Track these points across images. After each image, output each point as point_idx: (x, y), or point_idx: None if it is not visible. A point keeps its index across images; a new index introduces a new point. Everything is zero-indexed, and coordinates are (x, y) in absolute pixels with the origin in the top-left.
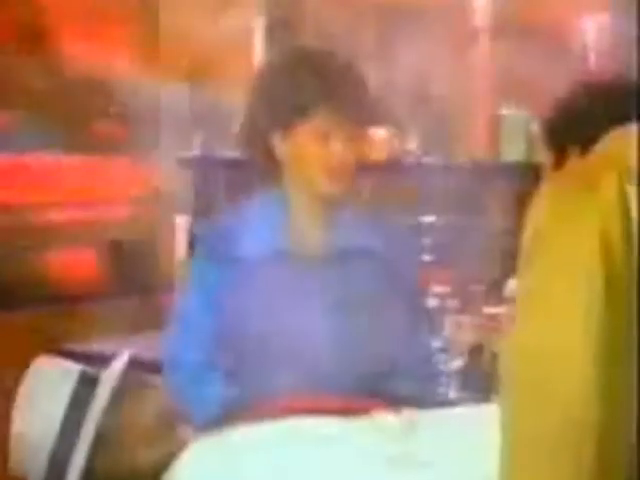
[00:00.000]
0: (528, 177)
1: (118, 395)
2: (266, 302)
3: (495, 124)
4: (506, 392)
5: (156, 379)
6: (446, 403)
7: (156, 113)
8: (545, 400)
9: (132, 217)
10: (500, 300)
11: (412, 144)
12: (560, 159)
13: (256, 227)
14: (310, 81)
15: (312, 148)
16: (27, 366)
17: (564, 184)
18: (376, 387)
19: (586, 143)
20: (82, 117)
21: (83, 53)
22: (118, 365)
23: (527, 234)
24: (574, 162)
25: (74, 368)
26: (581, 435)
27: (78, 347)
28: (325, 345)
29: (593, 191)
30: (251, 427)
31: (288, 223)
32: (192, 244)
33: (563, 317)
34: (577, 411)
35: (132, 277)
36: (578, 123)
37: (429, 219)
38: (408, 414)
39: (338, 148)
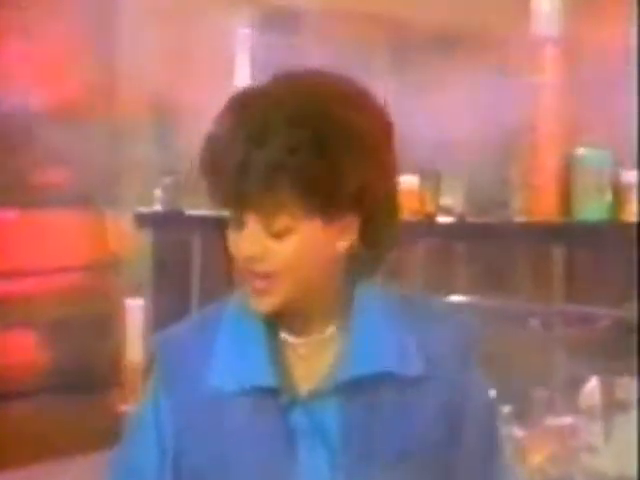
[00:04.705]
0: (614, 242)
1: None
2: (242, 461)
3: (565, 170)
4: None
5: None
6: None
7: (110, 158)
8: None
9: (80, 290)
10: (570, 408)
11: (449, 198)
12: None
13: (228, 350)
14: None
15: (230, 239)
16: None
17: None
18: None
19: None
20: (19, 164)
21: (21, 88)
22: None
23: None
24: None
25: None
26: None
27: None
28: None
29: None
30: None
31: (272, 343)
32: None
33: None
34: None
35: (76, 368)
36: None
37: (469, 299)
38: None
39: (244, 242)
